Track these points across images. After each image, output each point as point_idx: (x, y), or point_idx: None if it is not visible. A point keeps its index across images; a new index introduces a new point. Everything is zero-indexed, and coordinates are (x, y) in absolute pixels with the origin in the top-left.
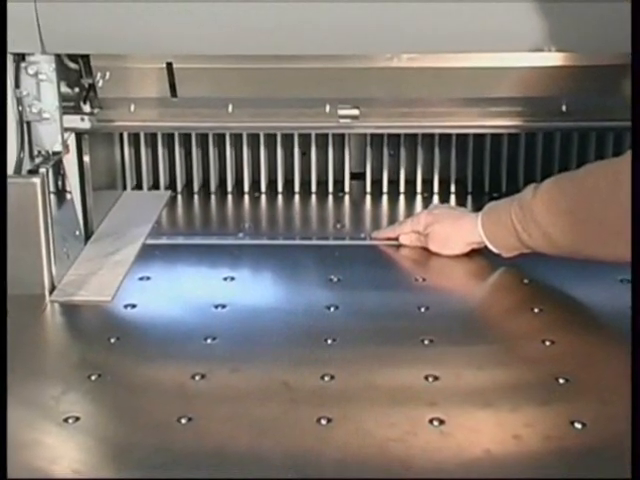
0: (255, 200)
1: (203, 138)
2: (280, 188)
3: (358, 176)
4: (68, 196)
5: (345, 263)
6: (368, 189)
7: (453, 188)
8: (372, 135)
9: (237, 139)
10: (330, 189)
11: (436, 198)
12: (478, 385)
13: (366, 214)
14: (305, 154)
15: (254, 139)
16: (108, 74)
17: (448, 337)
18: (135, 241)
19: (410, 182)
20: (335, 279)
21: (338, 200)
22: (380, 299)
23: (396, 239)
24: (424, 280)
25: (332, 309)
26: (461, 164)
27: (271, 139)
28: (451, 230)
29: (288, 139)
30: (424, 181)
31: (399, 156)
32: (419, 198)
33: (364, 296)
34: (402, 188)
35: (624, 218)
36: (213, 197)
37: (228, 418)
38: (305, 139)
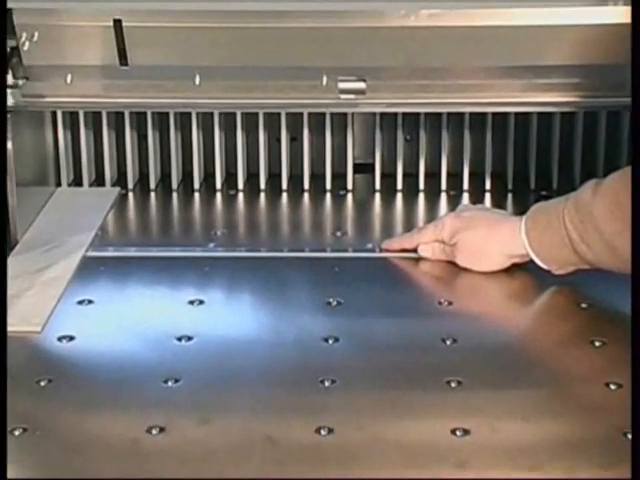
0: (230, 200)
1: (162, 118)
2: (263, 184)
3: (364, 168)
4: None
5: (347, 282)
6: (377, 185)
7: (488, 184)
8: (382, 115)
9: (207, 120)
10: (328, 185)
11: (466, 197)
12: (521, 441)
13: (375, 218)
14: (295, 140)
15: (229, 120)
16: (36, 34)
17: (481, 378)
18: (73, 253)
19: (432, 176)
20: (334, 302)
21: (338, 200)
22: (392, 329)
23: (414, 250)
24: (450, 304)
25: (330, 341)
26: (499, 153)
27: (251, 120)
28: (486, 239)
29: (273, 120)
30: (451, 175)
31: (418, 142)
32: (444, 197)
33: (372, 325)
34: (422, 184)
35: None
36: (175, 196)
37: None
38: (296, 120)
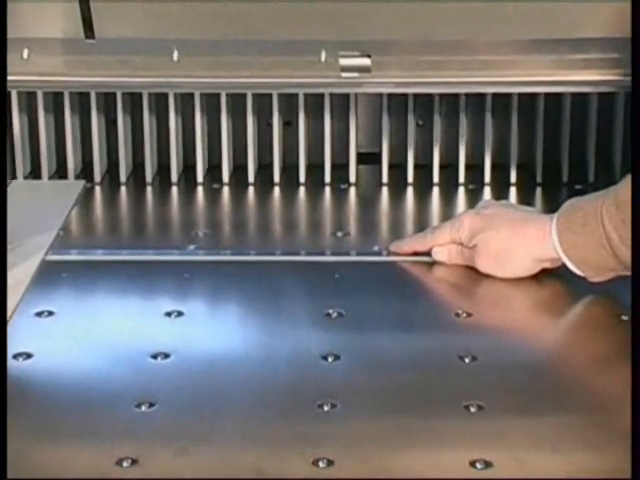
0: (214, 195)
1: (135, 100)
2: (251, 177)
3: (369, 158)
4: None
5: (349, 290)
6: (384, 178)
7: (514, 176)
8: (390, 96)
9: (186, 102)
10: (327, 178)
11: (488, 191)
12: (550, 476)
13: (381, 216)
14: (290, 125)
15: (212, 102)
16: None
17: (505, 402)
18: (30, 257)
19: (449, 167)
20: (334, 314)
21: (339, 195)
22: (402, 344)
23: (427, 254)
24: (469, 316)
25: (330, 359)
26: (526, 140)
27: (238, 102)
28: (510, 240)
29: (264, 102)
30: (470, 166)
31: (432, 128)
32: (462, 192)
33: (378, 340)
34: (436, 176)
35: None
36: (150, 190)
37: None
38: (289, 102)
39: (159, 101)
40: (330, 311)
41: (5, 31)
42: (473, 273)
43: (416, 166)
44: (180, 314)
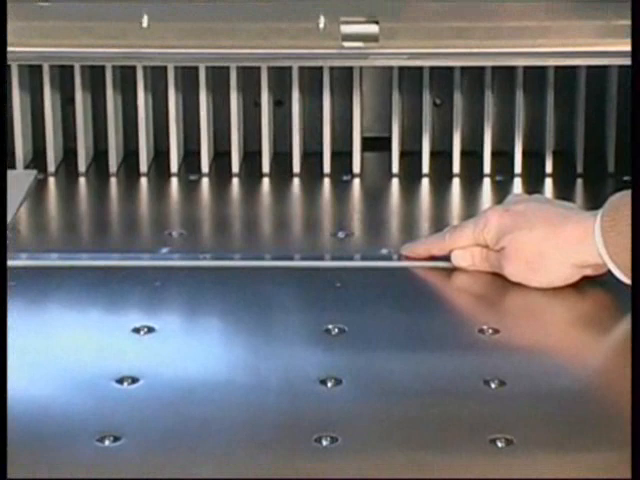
0: (191, 188)
1: (96, 75)
2: (236, 166)
3: (377, 144)
4: None
5: (353, 301)
6: (395, 168)
7: (549, 166)
8: (402, 70)
9: (158, 76)
10: (326, 168)
11: (518, 183)
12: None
13: (391, 213)
14: (282, 104)
15: (189, 76)
16: None
17: (538, 435)
18: None
19: (471, 155)
20: (335, 330)
21: (341, 188)
22: (415, 367)
23: (446, 258)
24: (496, 332)
25: (330, 384)
26: (564, 122)
27: (219, 77)
28: (545, 242)
29: (250, 77)
30: (497, 153)
31: (451, 108)
32: (487, 184)
33: (387, 361)
34: (457, 166)
35: None
36: (114, 182)
37: None
38: (282, 77)
39: (125, 75)
40: (330, 327)
41: (5, 32)
42: (500, 281)
43: (433, 153)
44: (150, 330)
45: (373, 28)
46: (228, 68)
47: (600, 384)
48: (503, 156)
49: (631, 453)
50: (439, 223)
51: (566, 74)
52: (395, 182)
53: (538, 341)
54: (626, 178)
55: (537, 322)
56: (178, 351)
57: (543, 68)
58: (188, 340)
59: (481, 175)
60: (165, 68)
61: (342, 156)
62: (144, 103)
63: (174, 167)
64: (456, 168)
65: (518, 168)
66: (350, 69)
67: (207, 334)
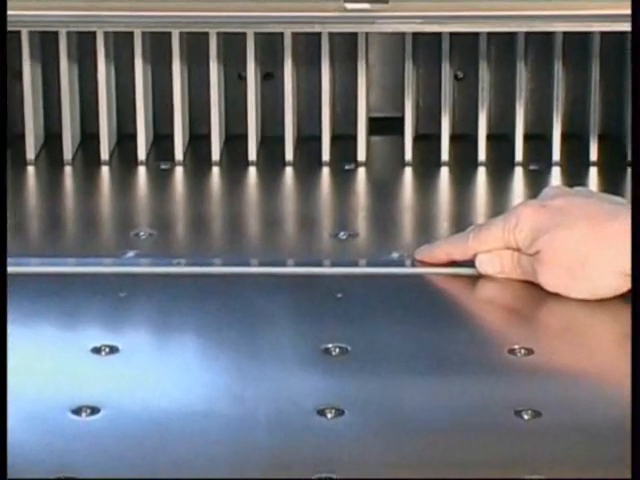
0: (162, 178)
1: (48, 43)
2: (216, 153)
3: (387, 126)
4: None
5: (358, 315)
6: (407, 155)
7: (594, 153)
8: (417, 37)
9: (122, 44)
10: (325, 155)
11: (556, 174)
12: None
13: (403, 209)
14: (271, 78)
15: (160, 44)
16: None
17: (579, 476)
18: None
19: (500, 139)
20: (336, 350)
21: (343, 179)
22: (432, 394)
23: (469, 264)
24: (529, 353)
25: (330, 415)
26: (612, 100)
27: (197, 45)
28: (589, 244)
29: (234, 46)
30: (531, 137)
31: (476, 83)
32: (519, 174)
33: (397, 387)
34: (482, 152)
35: None
36: (69, 171)
37: None
38: (271, 46)
39: (83, 43)
40: (330, 346)
41: (5, 32)
42: (535, 292)
43: (454, 137)
44: (113, 350)
45: None
46: (207, 34)
47: None
48: (539, 140)
49: (631, 453)
50: (461, 221)
51: (615, 42)
52: (408, 172)
53: (580, 364)
54: None
55: (578, 341)
56: (147, 375)
57: (587, 34)
58: (159, 362)
59: (512, 163)
60: (131, 34)
61: (344, 140)
62: (105, 77)
63: (141, 153)
64: (482, 155)
65: (557, 155)
66: (354, 36)
67: (181, 355)
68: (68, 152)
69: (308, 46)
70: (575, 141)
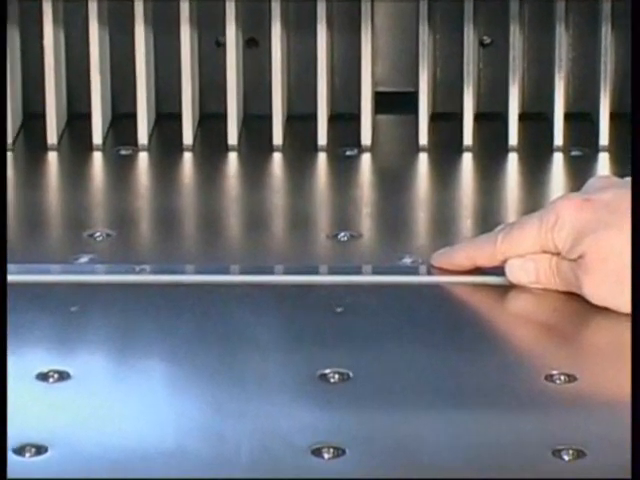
0: (123, 167)
1: None
2: (188, 135)
3: (397, 103)
4: None
5: (360, 333)
6: (422, 138)
7: None
8: None
9: (73, 4)
10: (322, 138)
11: (604, 161)
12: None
13: (417, 204)
14: (255, 45)
15: (119, 5)
16: None
17: None
18: None
19: (535, 118)
20: (335, 376)
21: (344, 167)
22: (453, 429)
23: (498, 271)
24: (570, 380)
25: (327, 455)
26: None
27: (166, 6)
28: None
29: (210, 7)
30: (572, 115)
31: (506, 50)
32: (559, 160)
33: (409, 421)
34: (513, 134)
35: None
36: (9, 157)
37: None
38: (256, 7)
39: (27, 5)
40: (327, 371)
41: (5, 32)
42: (578, 305)
43: (479, 116)
44: (64, 376)
45: None
46: None
47: None
48: (582, 120)
49: (631, 453)
50: (488, 219)
51: None
52: (423, 159)
53: (629, 393)
54: None
55: (628, 366)
56: (103, 407)
57: None
58: (118, 391)
59: (550, 148)
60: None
61: (345, 121)
62: (53, 43)
63: (97, 136)
64: (512, 138)
65: (604, 138)
66: None
67: (146, 383)
68: (8, 135)
69: (301, 7)
70: (626, 122)
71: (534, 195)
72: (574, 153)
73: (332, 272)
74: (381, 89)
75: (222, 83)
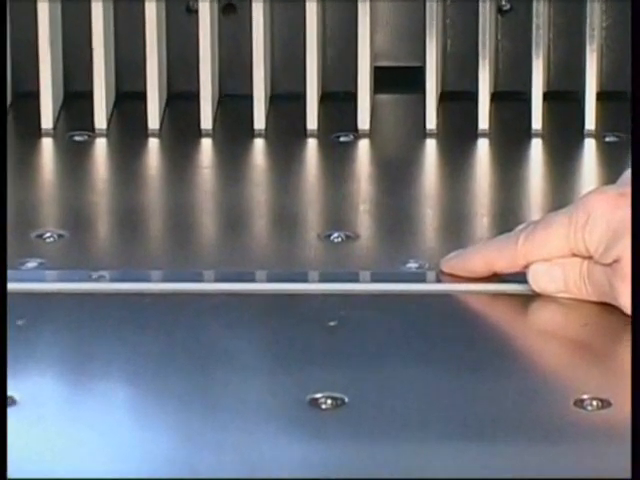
0: (76, 154)
1: None
2: (154, 118)
3: (399, 80)
4: None
5: (356, 351)
6: (430, 122)
7: None
8: None
9: None
10: (312, 122)
11: None
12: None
13: (423, 199)
14: (233, 10)
15: None
16: None
17: None
18: None
19: (562, 98)
20: (327, 402)
21: (338, 155)
22: (461, 464)
23: (520, 277)
24: (604, 405)
25: None
26: None
27: None
28: None
29: None
30: (605, 95)
31: (528, 17)
32: (590, 147)
33: (414, 454)
34: (537, 117)
35: None
36: None
37: None
38: None
39: None
40: (319, 396)
41: (5, 33)
42: (613, 318)
43: (496, 96)
44: (7, 402)
45: None
46: None
47: None
48: (617, 101)
49: (631, 453)
50: (507, 217)
51: None
52: (431, 145)
53: None
54: None
55: None
56: (54, 438)
57: None
58: (71, 419)
59: (580, 133)
60: None
61: (339, 101)
62: None
63: (46, 120)
64: (536, 121)
65: None
66: None
67: (105, 409)
68: None
69: None
70: None
71: (562, 189)
72: (609, 139)
73: (324, 279)
74: (381, 64)
75: (194, 57)
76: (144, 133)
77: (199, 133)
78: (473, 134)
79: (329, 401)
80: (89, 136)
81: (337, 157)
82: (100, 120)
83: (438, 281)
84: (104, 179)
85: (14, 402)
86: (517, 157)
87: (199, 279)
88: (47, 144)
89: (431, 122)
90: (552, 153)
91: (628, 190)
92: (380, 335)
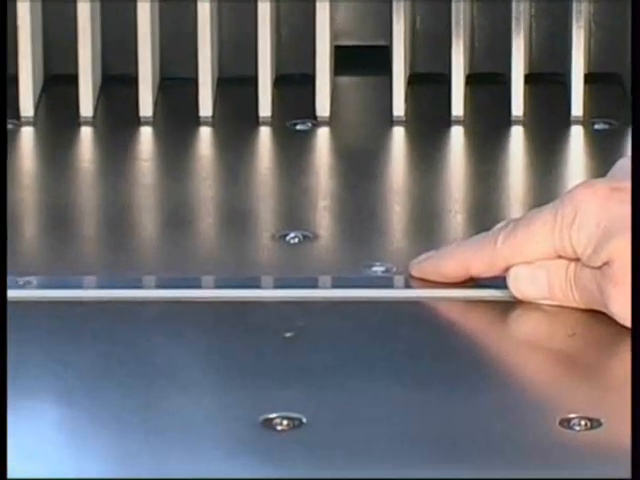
0: (10, 146)
1: None
2: (87, 105)
3: (361, 61)
4: None
5: (315, 365)
6: (397, 108)
7: None
8: None
9: None
10: (265, 108)
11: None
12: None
13: (389, 194)
14: None
15: None
16: None
17: None
18: None
19: (543, 81)
20: (283, 422)
21: (294, 145)
22: None
23: (499, 282)
24: (592, 425)
25: None
26: None
27: None
28: None
29: None
30: (594, 77)
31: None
32: (577, 134)
33: None
34: (517, 102)
35: None
36: None
37: None
38: None
39: None
40: (273, 416)
41: (5, 32)
42: (603, 328)
43: (472, 78)
44: None
45: None
46: None
47: None
48: (608, 84)
49: (631, 453)
50: (485, 214)
51: None
52: (398, 133)
53: None
54: None
55: None
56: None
57: None
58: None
59: (567, 119)
60: None
61: (295, 84)
62: None
63: None
64: (517, 107)
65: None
66: None
67: (34, 428)
68: None
69: None
70: None
71: (545, 182)
72: (598, 126)
73: (279, 285)
74: (342, 42)
75: (132, 37)
76: (76, 121)
77: (138, 121)
78: (446, 121)
79: (285, 422)
80: (14, 125)
81: (293, 147)
82: (26, 107)
83: (407, 286)
84: (31, 173)
85: None
86: (495, 147)
87: (138, 285)
88: None
89: (399, 108)
90: (535, 142)
91: (620, 184)
92: (342, 348)
